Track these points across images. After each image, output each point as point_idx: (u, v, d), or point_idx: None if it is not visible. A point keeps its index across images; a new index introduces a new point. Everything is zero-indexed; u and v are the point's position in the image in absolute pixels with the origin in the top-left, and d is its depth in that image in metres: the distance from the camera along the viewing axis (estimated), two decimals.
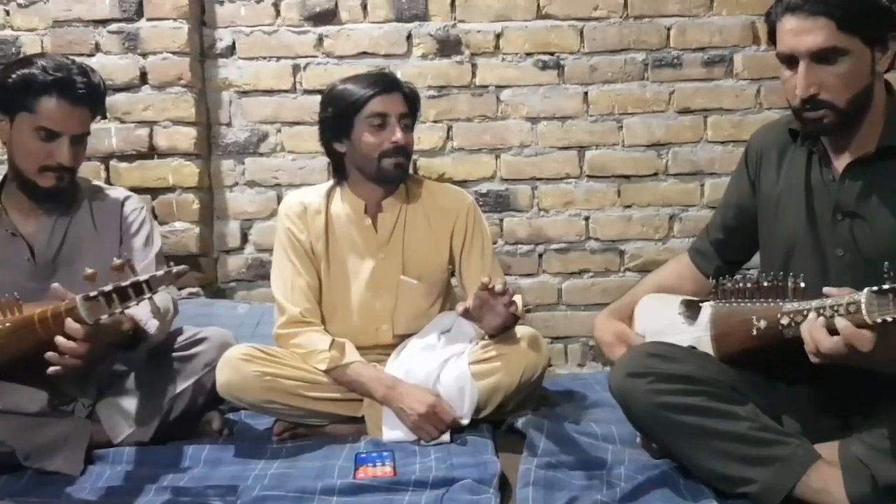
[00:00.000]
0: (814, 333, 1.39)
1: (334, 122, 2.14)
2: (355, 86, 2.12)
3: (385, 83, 2.13)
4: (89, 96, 1.95)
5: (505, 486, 1.70)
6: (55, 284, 1.65)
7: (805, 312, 1.44)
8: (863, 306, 1.32)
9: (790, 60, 1.56)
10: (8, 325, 1.65)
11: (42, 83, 1.89)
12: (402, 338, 2.18)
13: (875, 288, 1.31)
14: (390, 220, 2.18)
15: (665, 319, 1.81)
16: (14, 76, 1.90)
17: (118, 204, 2.10)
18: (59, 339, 1.60)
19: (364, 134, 2.10)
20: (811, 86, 1.53)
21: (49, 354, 1.62)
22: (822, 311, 1.41)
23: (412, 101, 2.16)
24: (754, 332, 1.56)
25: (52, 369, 1.63)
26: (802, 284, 1.51)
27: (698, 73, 2.88)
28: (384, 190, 2.18)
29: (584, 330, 2.89)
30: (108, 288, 1.52)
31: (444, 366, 2.05)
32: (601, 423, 1.99)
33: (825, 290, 1.44)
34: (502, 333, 2.04)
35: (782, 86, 1.62)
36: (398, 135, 2.09)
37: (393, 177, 2.13)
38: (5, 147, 2.02)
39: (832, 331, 1.37)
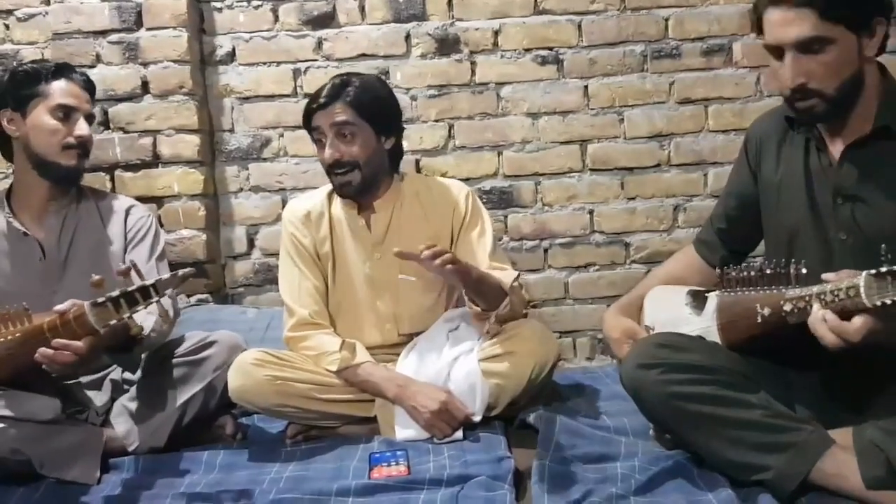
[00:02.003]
0: (836, 328, 1.39)
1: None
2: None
3: (322, 99, 2.08)
4: (88, 82, 2.15)
5: (520, 482, 1.71)
6: (59, 306, 1.67)
7: (807, 298, 1.45)
8: (862, 290, 1.34)
9: (777, 51, 1.56)
10: (18, 335, 1.67)
11: (49, 70, 2.07)
12: (409, 336, 2.18)
13: (873, 271, 1.33)
14: (384, 219, 2.18)
15: (673, 311, 1.82)
16: (21, 71, 2.07)
17: (125, 209, 2.17)
18: (43, 351, 1.65)
19: (316, 147, 2.15)
20: (798, 76, 1.54)
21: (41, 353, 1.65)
22: (822, 296, 1.42)
23: (358, 107, 2.07)
24: (759, 320, 1.57)
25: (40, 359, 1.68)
26: (804, 270, 1.51)
27: (698, 63, 2.88)
28: (364, 197, 2.17)
29: (592, 323, 2.90)
30: (116, 293, 1.53)
31: (454, 363, 2.05)
32: (613, 415, 2.00)
33: (824, 275, 1.45)
34: (484, 299, 2.02)
35: (773, 76, 1.62)
36: (326, 152, 2.08)
37: (342, 194, 2.15)
38: (10, 160, 2.11)
39: (846, 317, 1.38)
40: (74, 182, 2.12)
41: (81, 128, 2.06)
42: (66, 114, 2.05)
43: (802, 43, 1.52)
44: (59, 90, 2.05)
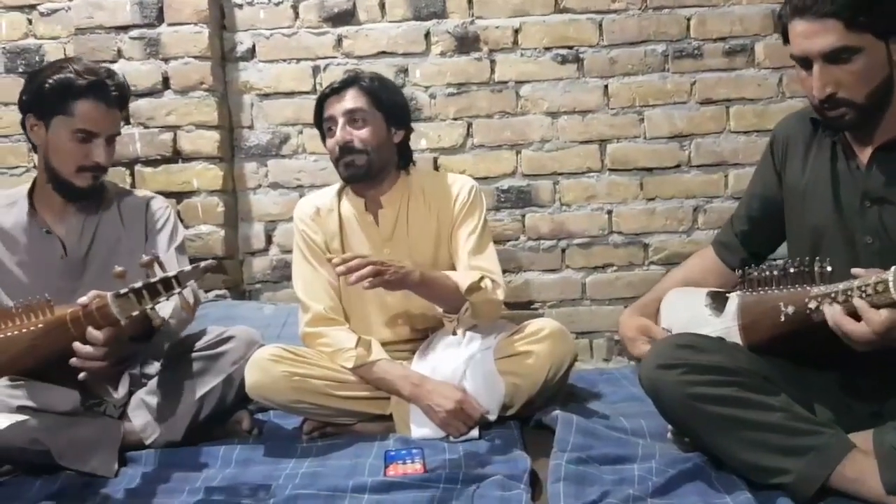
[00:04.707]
0: (838, 320, 1.39)
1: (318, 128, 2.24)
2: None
3: (335, 85, 2.16)
4: (120, 98, 2.04)
5: (535, 482, 1.70)
6: (82, 299, 1.67)
7: (833, 295, 1.43)
8: (891, 285, 1.32)
9: (805, 62, 1.55)
10: (41, 326, 1.67)
11: (78, 87, 1.96)
12: (421, 332, 2.19)
13: None
14: (392, 215, 2.19)
15: (691, 313, 1.80)
16: (50, 81, 1.97)
17: (144, 203, 2.16)
18: (77, 346, 1.64)
19: (326, 139, 2.17)
20: (827, 86, 1.52)
21: (72, 361, 1.65)
22: (849, 292, 1.40)
23: (372, 94, 2.14)
24: (782, 319, 1.55)
25: (81, 375, 1.66)
26: (829, 268, 1.50)
27: (719, 63, 2.86)
28: (370, 188, 2.18)
29: (609, 324, 2.88)
30: (139, 285, 1.53)
31: (470, 362, 2.05)
32: (630, 417, 1.98)
33: (853, 270, 1.44)
34: (441, 302, 2.03)
35: (801, 85, 1.61)
36: (338, 134, 2.11)
37: (348, 178, 2.15)
38: (35, 151, 2.10)
39: (858, 317, 1.37)
40: (87, 199, 2.07)
41: (98, 154, 1.99)
42: (86, 137, 1.97)
43: (829, 54, 1.50)
44: (84, 112, 1.96)
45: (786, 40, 1.60)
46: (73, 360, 1.65)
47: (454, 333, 2.06)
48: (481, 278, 2.05)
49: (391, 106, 2.17)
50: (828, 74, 1.52)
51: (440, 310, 2.05)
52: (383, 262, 1.86)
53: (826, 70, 1.52)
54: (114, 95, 2.01)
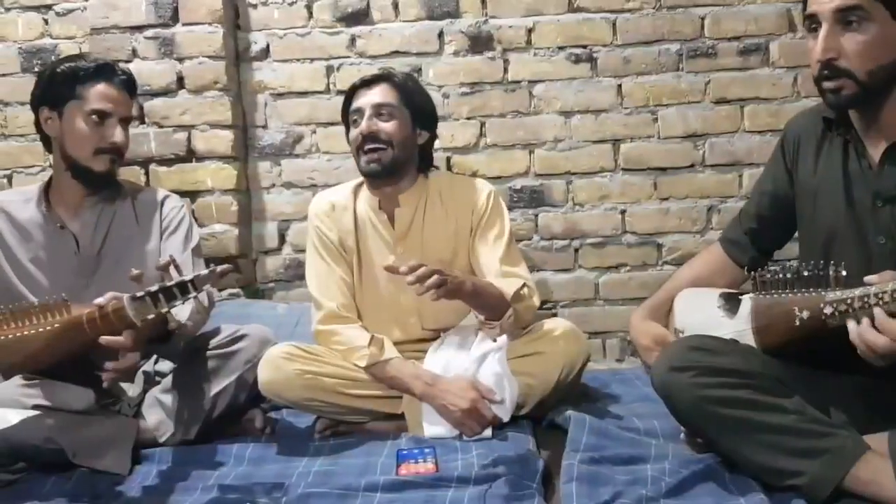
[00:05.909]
0: (864, 336, 1.38)
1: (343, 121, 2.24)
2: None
3: (367, 78, 2.18)
4: (128, 82, 2.10)
5: (548, 482, 1.70)
6: (98, 300, 1.68)
7: (849, 301, 1.43)
8: None
9: (815, 24, 1.54)
10: (57, 325, 1.68)
11: (87, 71, 2.02)
12: (433, 332, 2.18)
13: None
14: (408, 215, 2.19)
15: (704, 314, 1.79)
16: (60, 69, 2.03)
17: (159, 202, 2.17)
18: (108, 364, 1.67)
19: (350, 130, 2.18)
20: (830, 50, 1.51)
21: (107, 365, 1.68)
22: (866, 299, 1.39)
23: (402, 90, 2.16)
24: (797, 323, 1.54)
25: (105, 378, 1.68)
26: (844, 273, 1.49)
27: (734, 63, 2.85)
28: (387, 185, 2.18)
29: (622, 324, 2.86)
30: (155, 288, 1.54)
31: (483, 362, 2.04)
32: (643, 417, 1.98)
33: (867, 278, 1.42)
34: (485, 310, 2.01)
35: (809, 57, 1.60)
36: (362, 125, 2.12)
37: (367, 172, 2.15)
38: (49, 151, 2.13)
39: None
40: (106, 185, 2.10)
41: (116, 134, 2.03)
42: (100, 118, 2.01)
43: (841, 10, 1.49)
44: (96, 94, 2.01)
45: (804, 9, 1.59)
46: (108, 364, 1.68)
47: (494, 340, 2.04)
48: (523, 286, 2.05)
49: (419, 106, 2.19)
50: (833, 38, 1.51)
51: (481, 317, 2.04)
52: (441, 272, 1.83)
53: (832, 33, 1.51)
54: (122, 79, 2.07)
